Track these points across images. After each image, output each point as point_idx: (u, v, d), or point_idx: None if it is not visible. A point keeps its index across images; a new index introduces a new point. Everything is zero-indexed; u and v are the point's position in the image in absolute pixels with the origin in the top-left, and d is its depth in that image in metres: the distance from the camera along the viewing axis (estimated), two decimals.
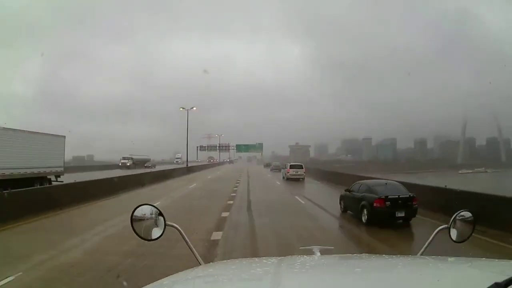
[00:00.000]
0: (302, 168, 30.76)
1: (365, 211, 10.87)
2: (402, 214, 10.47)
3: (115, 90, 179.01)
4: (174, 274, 1.65)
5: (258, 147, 79.21)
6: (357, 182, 12.43)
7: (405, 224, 10.71)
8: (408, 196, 10.70)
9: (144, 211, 1.85)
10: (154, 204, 1.88)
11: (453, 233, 1.86)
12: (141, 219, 1.84)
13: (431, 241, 1.94)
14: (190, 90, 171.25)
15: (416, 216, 10.90)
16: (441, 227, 1.92)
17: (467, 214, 1.89)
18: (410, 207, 10.58)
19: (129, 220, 1.83)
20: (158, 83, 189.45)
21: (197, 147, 78.05)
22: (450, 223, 1.87)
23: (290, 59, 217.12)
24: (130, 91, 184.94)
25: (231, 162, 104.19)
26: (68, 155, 79.03)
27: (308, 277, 1.46)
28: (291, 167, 30.72)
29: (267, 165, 66.20)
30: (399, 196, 10.57)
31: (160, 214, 1.86)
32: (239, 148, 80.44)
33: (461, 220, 1.87)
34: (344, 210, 12.91)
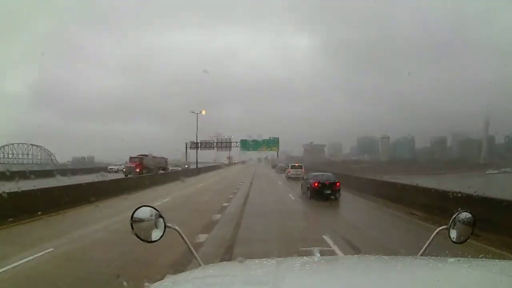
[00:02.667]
0: (302, 168, 37.63)
1: (308, 190, 18.30)
2: (329, 192, 17.78)
3: (115, 89, 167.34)
4: (174, 275, 1.76)
5: (272, 143, 58.28)
6: (309, 173, 19.91)
7: (335, 198, 17.97)
8: (333, 181, 18.02)
9: (144, 212, 1.88)
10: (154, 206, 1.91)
11: (453, 234, 1.88)
12: (141, 221, 1.87)
13: (430, 241, 1.97)
14: (192, 86, 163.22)
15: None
16: (440, 227, 1.96)
17: (466, 215, 1.90)
18: (334, 188, 17.86)
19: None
20: (159, 80, 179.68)
21: (186, 143, 58.54)
22: (449, 223, 1.90)
23: (299, 53, 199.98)
24: (131, 89, 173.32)
25: (243, 163, 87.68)
26: (67, 156, 75.88)
27: (308, 279, 1.47)
28: (292, 167, 37.93)
29: (274, 167, 64.68)
30: (327, 181, 17.92)
31: (160, 216, 1.89)
32: (245, 145, 57.73)
33: (460, 221, 1.89)
34: (304, 192, 20.32)
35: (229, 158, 76.32)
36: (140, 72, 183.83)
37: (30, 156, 71.63)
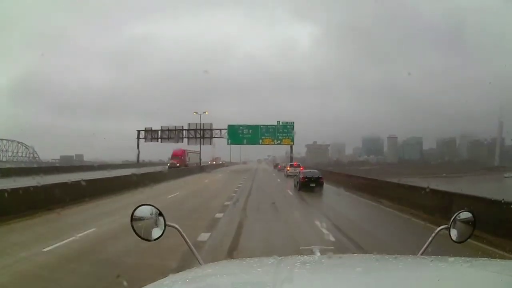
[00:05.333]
0: (300, 167, 41.67)
1: (298, 184, 22.39)
2: (314, 185, 21.69)
3: (104, 85, 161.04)
4: (174, 274, 1.78)
5: (283, 131, 40.73)
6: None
7: (318, 190, 21.84)
8: (317, 176, 22.01)
9: (144, 211, 1.89)
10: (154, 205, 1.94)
11: (453, 233, 1.90)
12: (141, 219, 1.88)
13: (431, 241, 1.98)
14: (187, 81, 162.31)
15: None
16: (441, 227, 1.97)
17: (467, 214, 1.91)
18: (318, 182, 21.84)
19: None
20: (152, 75, 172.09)
21: (137, 132, 42.62)
22: (450, 223, 1.91)
23: (302, 49, 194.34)
24: (121, 86, 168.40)
25: (244, 163, 77.69)
26: (55, 154, 69.59)
27: (308, 277, 1.48)
28: (290, 166, 42.15)
29: (275, 166, 60.71)
30: (312, 176, 21.96)
31: (160, 214, 1.90)
32: (234, 134, 38.99)
33: (461, 220, 1.91)
34: (295, 185, 24.37)
35: (183, 154, 44.00)
36: (131, 66, 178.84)
37: (10, 153, 66.78)
